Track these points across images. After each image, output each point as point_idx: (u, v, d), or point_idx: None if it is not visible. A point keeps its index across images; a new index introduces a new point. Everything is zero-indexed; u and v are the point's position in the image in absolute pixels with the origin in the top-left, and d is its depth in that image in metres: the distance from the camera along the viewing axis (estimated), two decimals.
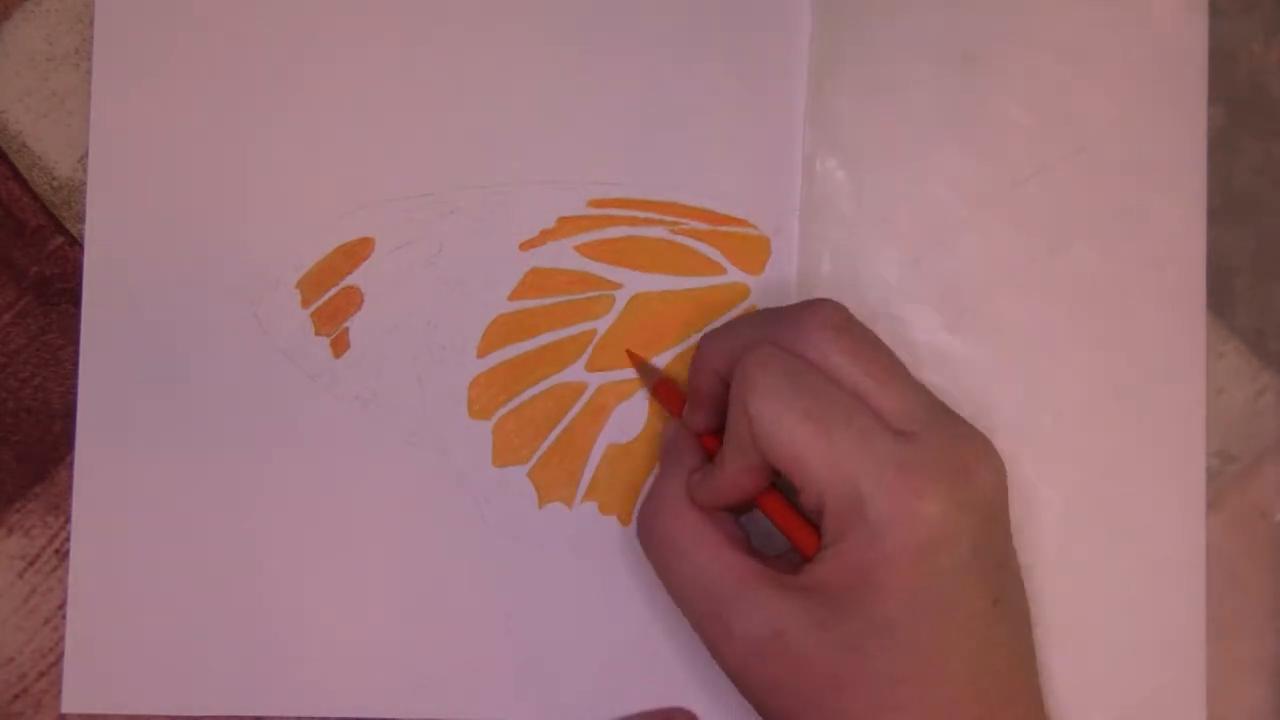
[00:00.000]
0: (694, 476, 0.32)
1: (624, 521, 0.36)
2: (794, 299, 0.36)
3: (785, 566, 0.30)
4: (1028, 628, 0.30)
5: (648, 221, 0.36)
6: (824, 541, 0.29)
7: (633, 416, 0.36)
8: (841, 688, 0.28)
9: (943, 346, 0.36)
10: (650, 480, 0.33)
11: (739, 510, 0.32)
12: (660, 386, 0.35)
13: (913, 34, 0.36)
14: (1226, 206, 0.36)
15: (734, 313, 0.36)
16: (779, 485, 0.31)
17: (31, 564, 0.36)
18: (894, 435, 0.28)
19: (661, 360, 0.36)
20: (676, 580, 0.30)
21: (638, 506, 0.32)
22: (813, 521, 0.30)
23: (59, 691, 0.35)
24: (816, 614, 0.28)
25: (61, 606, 0.35)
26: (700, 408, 0.33)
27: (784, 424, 0.28)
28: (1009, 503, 0.30)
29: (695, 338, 0.36)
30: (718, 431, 0.32)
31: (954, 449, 0.29)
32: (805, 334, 0.30)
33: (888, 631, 0.28)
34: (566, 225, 0.36)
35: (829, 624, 0.28)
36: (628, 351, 0.36)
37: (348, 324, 0.36)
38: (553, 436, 0.36)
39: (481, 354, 0.36)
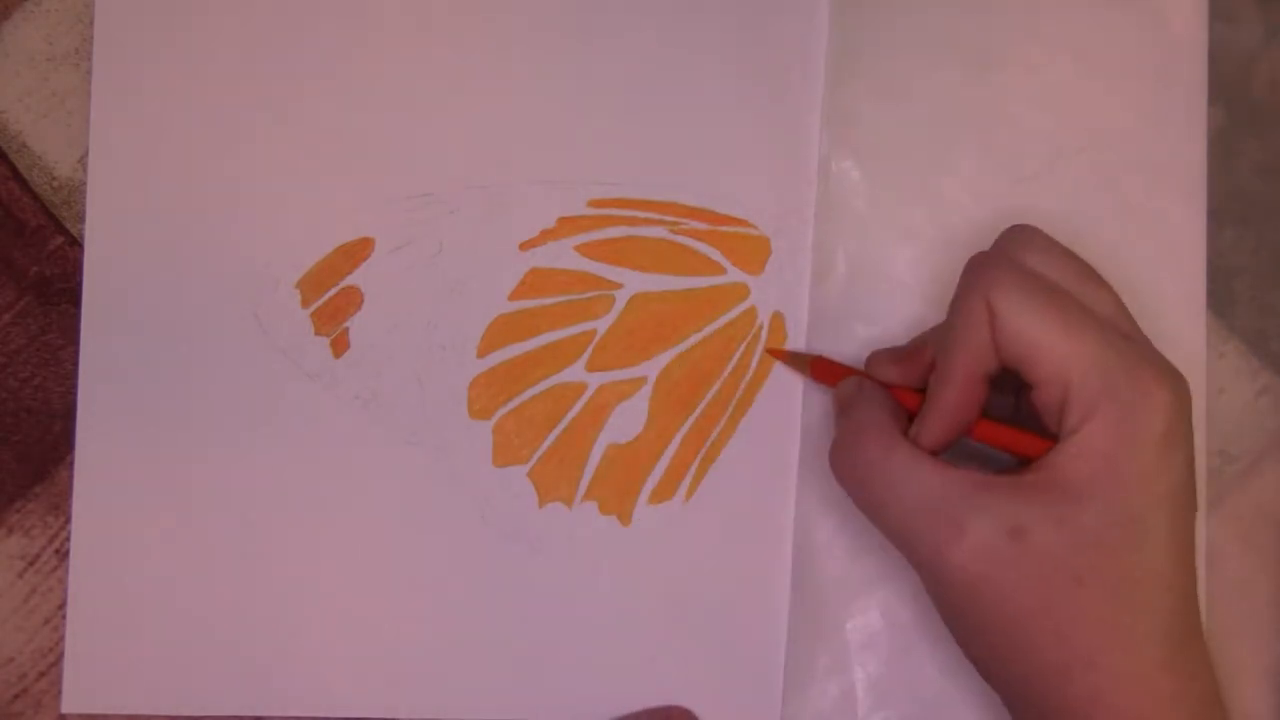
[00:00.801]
0: (915, 422, 0.31)
1: (624, 521, 0.36)
2: (806, 301, 0.36)
3: (1012, 473, 0.30)
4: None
5: (648, 221, 0.36)
6: (1063, 432, 0.29)
7: (633, 416, 0.36)
8: (1083, 584, 0.28)
9: None
10: (838, 426, 0.32)
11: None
12: (817, 365, 0.34)
13: (927, 35, 0.36)
14: (1226, 206, 0.36)
15: (734, 313, 0.36)
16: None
17: (31, 564, 0.36)
18: (1122, 333, 0.29)
19: (661, 360, 0.36)
20: (894, 508, 0.30)
21: (831, 448, 0.31)
22: (1036, 429, 0.30)
23: (59, 691, 0.35)
24: (1056, 508, 0.28)
25: (61, 606, 0.35)
26: (900, 361, 0.33)
27: (1028, 315, 0.29)
28: None
29: (695, 338, 0.36)
30: (908, 387, 0.32)
31: (1161, 356, 0.29)
32: (1016, 253, 0.30)
33: (1131, 524, 0.28)
34: (566, 225, 0.36)
35: (1069, 518, 0.28)
36: (768, 349, 0.35)
37: (348, 324, 0.36)
38: (553, 436, 0.36)
39: (481, 354, 0.36)
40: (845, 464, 0.31)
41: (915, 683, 0.35)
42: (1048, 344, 0.28)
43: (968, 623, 0.29)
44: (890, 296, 0.36)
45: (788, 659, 0.35)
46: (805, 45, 0.37)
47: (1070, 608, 0.28)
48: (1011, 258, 0.30)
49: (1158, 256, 0.36)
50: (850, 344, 0.36)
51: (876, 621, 0.35)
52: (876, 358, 0.33)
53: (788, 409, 0.36)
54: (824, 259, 0.36)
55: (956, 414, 0.30)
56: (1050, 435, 0.29)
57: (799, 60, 0.37)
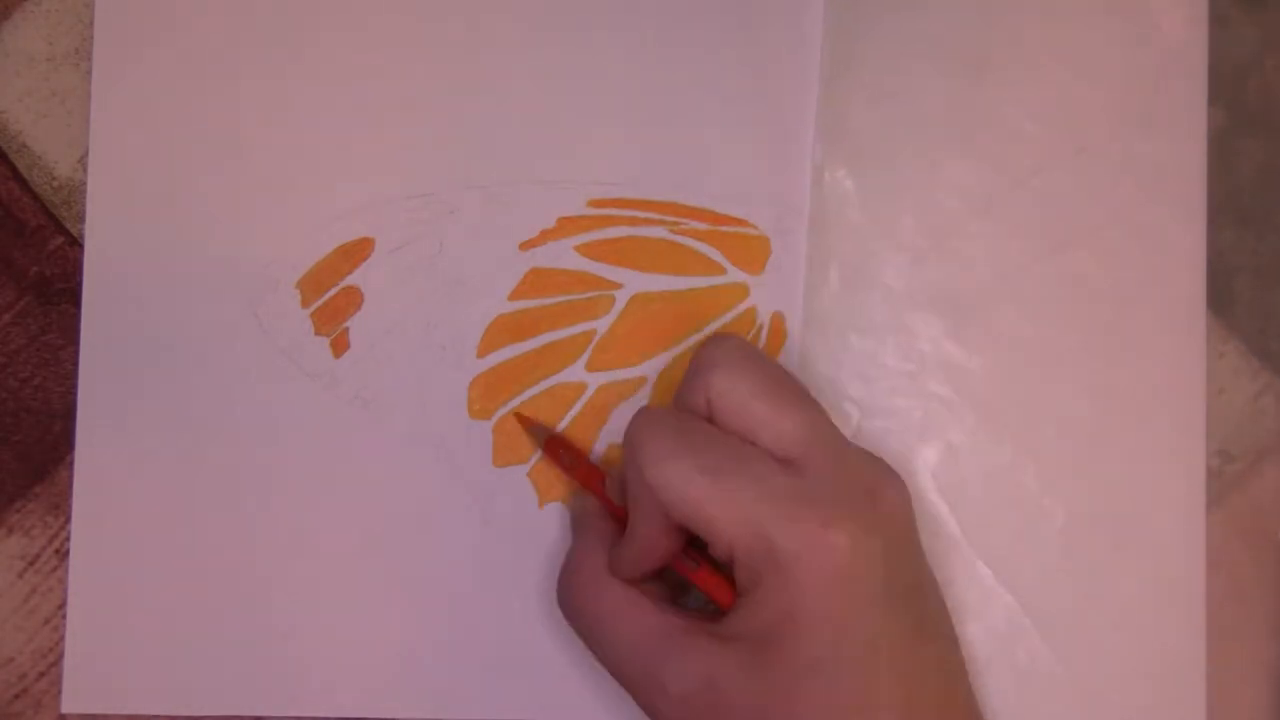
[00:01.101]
0: (613, 552, 0.31)
1: None
2: (800, 309, 0.36)
3: (712, 616, 0.30)
4: (954, 648, 0.30)
5: (648, 221, 0.36)
6: (739, 590, 0.29)
7: None
8: None
9: (948, 356, 0.36)
10: (567, 554, 0.32)
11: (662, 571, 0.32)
12: (551, 444, 0.35)
13: (921, 40, 0.36)
14: (1226, 207, 0.36)
15: (734, 313, 0.36)
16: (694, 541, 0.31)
17: (31, 564, 0.36)
18: (790, 471, 0.28)
19: (661, 360, 0.36)
20: (606, 650, 0.30)
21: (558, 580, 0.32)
22: (726, 573, 0.30)
23: (59, 691, 0.35)
24: (745, 661, 0.28)
25: (61, 606, 0.35)
26: (614, 480, 0.33)
27: (679, 483, 0.28)
28: (915, 522, 0.30)
29: (695, 338, 0.36)
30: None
31: (854, 475, 0.29)
32: (691, 383, 0.30)
33: (815, 671, 0.27)
34: (566, 225, 0.36)
35: (758, 669, 0.28)
36: (516, 414, 0.35)
37: (348, 324, 0.36)
38: None
39: (481, 354, 0.36)
40: (565, 602, 0.31)
41: None
42: (704, 511, 0.28)
43: None
44: (884, 307, 0.36)
45: None
46: (800, 47, 0.37)
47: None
48: (674, 413, 0.30)
49: (1157, 257, 0.36)
50: (845, 354, 0.36)
51: None
52: (612, 474, 0.33)
53: None
54: (817, 270, 0.36)
55: (650, 560, 0.30)
56: None
57: (794, 61, 0.36)
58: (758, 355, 0.31)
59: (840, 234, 0.36)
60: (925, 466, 0.35)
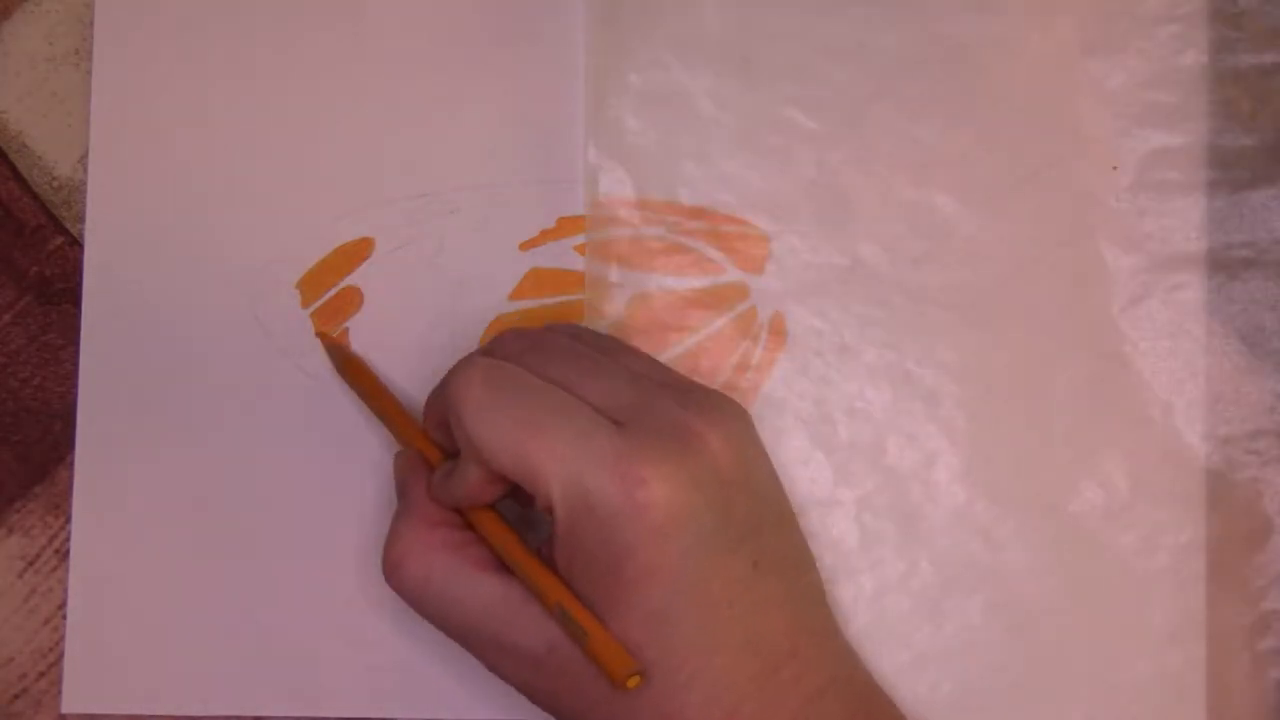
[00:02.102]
0: (435, 476, 0.31)
1: None
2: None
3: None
4: (803, 576, 0.30)
5: (647, 221, 0.36)
6: (562, 546, 0.28)
7: None
8: (613, 694, 0.27)
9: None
10: (392, 524, 0.31)
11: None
12: (350, 364, 0.34)
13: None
14: (1226, 206, 0.36)
15: (734, 312, 0.36)
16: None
17: (31, 564, 0.36)
18: (612, 425, 0.28)
19: (661, 361, 0.36)
20: (440, 617, 0.30)
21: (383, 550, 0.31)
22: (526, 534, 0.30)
23: (59, 691, 0.35)
24: None
25: (61, 606, 0.35)
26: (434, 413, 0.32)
27: (498, 436, 0.28)
28: (762, 457, 0.29)
29: (695, 338, 0.36)
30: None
31: (676, 425, 0.28)
32: (503, 344, 0.30)
33: (653, 622, 0.27)
34: (566, 225, 0.36)
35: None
36: (318, 334, 0.35)
37: (348, 324, 0.36)
38: None
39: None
40: (393, 572, 0.30)
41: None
42: (525, 463, 0.28)
43: (541, 708, 0.29)
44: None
45: None
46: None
47: (619, 707, 0.28)
48: (490, 361, 0.29)
49: (1157, 257, 0.36)
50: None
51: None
52: (428, 413, 0.32)
53: None
54: (596, 269, 0.36)
55: (478, 495, 0.30)
56: None
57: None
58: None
59: (617, 233, 0.36)
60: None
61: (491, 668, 0.30)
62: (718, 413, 0.29)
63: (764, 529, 0.29)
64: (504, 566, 0.30)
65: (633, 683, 0.26)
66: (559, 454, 0.27)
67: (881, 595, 0.35)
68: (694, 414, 0.28)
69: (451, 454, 0.32)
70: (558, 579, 0.28)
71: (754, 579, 0.28)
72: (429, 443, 0.32)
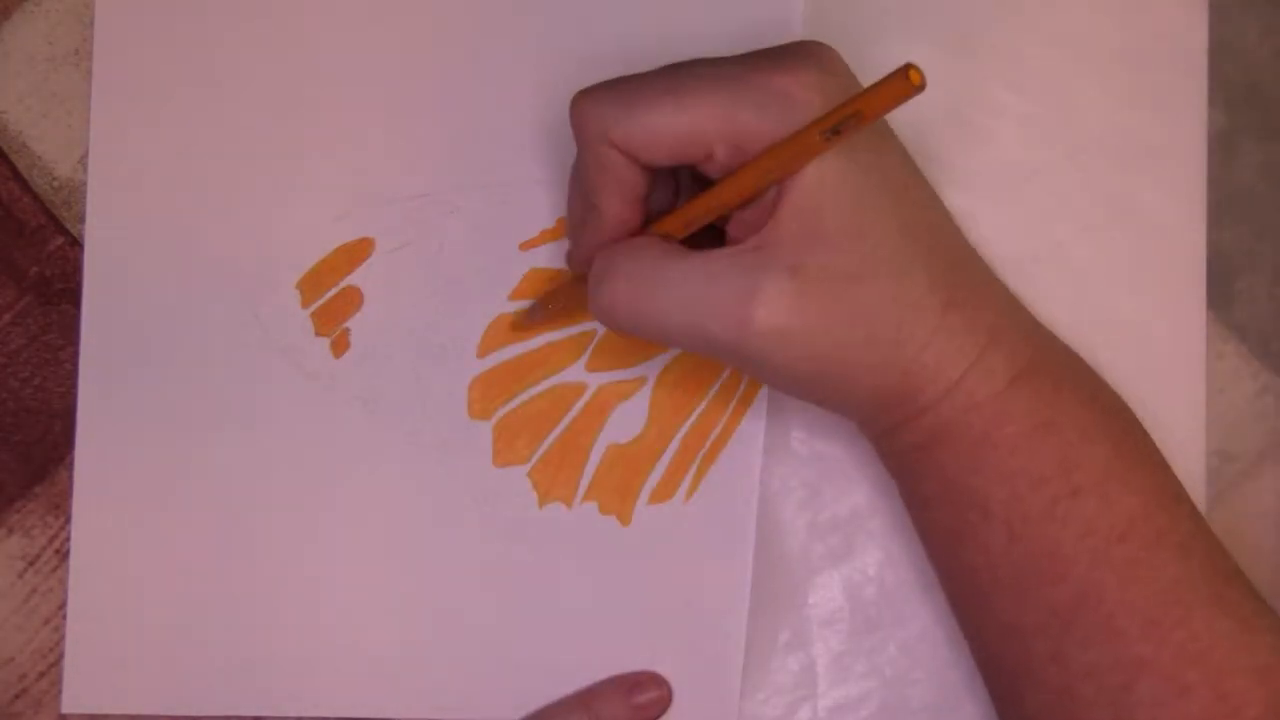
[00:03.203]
0: (573, 241, 0.32)
1: (624, 521, 0.36)
2: None
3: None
4: (954, 239, 0.32)
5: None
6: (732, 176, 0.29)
7: (633, 416, 0.36)
8: (863, 281, 0.29)
9: None
10: (591, 284, 0.31)
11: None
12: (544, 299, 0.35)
13: (910, 22, 0.36)
14: (1226, 206, 0.36)
15: None
16: None
17: (31, 564, 0.36)
18: (737, 71, 0.29)
19: (661, 360, 0.36)
20: (678, 308, 0.30)
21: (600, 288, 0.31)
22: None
23: (59, 691, 0.35)
24: (803, 239, 0.29)
25: (61, 606, 0.35)
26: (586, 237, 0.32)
27: (650, 112, 0.29)
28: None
29: None
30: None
31: (785, 50, 0.30)
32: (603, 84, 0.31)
33: (852, 237, 0.29)
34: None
35: (813, 237, 0.29)
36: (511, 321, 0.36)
37: (348, 324, 0.36)
38: (553, 436, 0.36)
39: (481, 354, 0.36)
40: (606, 302, 0.30)
41: (876, 660, 0.35)
42: (674, 130, 0.29)
43: (801, 371, 0.30)
44: None
45: (749, 634, 0.35)
46: (779, 37, 0.36)
47: (864, 302, 0.29)
48: (597, 87, 0.30)
49: (1158, 256, 0.36)
50: None
51: (838, 598, 0.35)
52: (572, 242, 0.33)
53: None
54: None
55: (619, 224, 0.31)
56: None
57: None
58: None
59: None
60: None
61: (735, 336, 0.29)
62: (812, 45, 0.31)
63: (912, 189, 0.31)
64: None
65: (915, 77, 0.26)
66: (704, 102, 0.29)
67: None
68: (794, 47, 0.30)
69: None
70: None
71: (927, 198, 0.31)
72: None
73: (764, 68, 0.29)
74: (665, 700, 0.35)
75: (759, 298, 0.28)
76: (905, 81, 0.26)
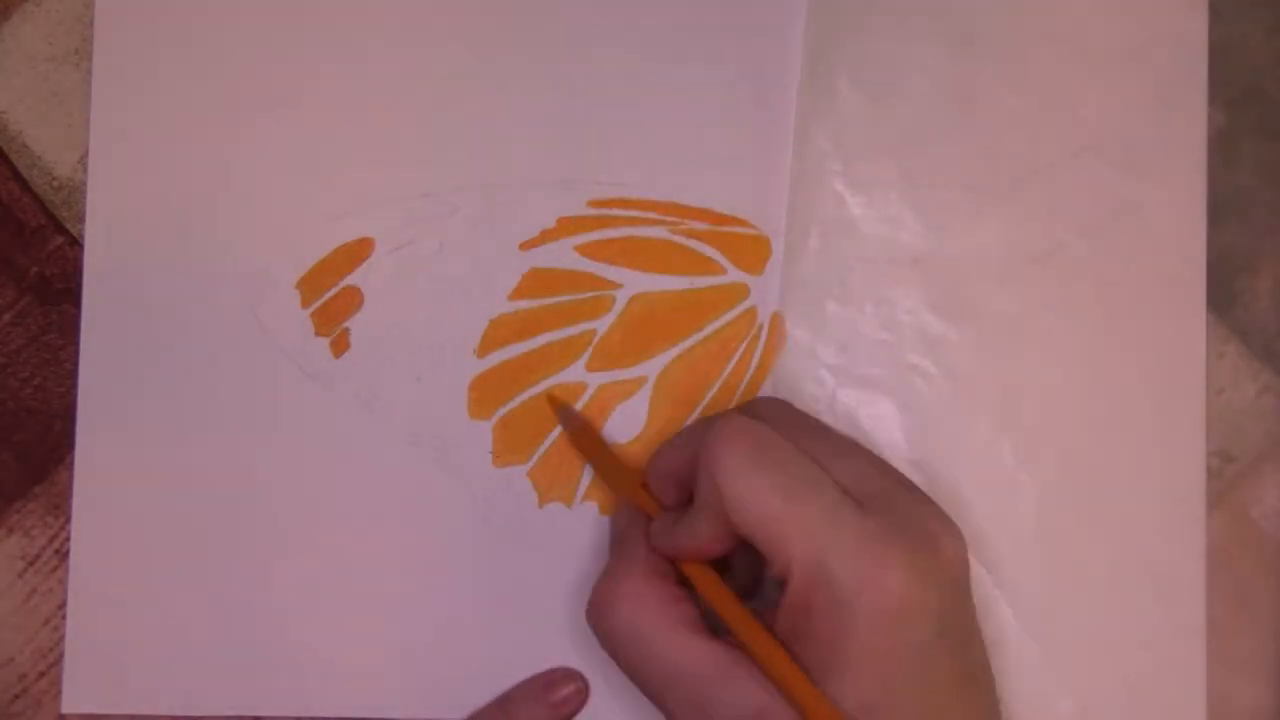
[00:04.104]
0: (655, 524, 0.31)
1: None
2: (778, 279, 0.36)
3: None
4: (997, 702, 0.30)
5: (648, 221, 0.36)
6: (786, 610, 0.28)
7: (633, 416, 0.36)
8: None
9: (930, 329, 0.36)
10: (605, 569, 0.31)
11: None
12: (578, 431, 0.35)
13: (910, 20, 0.36)
14: (1226, 206, 0.36)
15: (734, 312, 0.36)
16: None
17: (31, 564, 0.36)
18: (858, 506, 0.28)
19: (661, 360, 0.36)
20: (640, 668, 0.30)
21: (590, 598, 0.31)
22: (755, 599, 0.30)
23: (59, 691, 0.35)
24: None
25: (61, 606, 0.35)
26: (672, 480, 0.32)
27: (752, 496, 0.28)
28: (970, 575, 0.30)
29: (695, 338, 0.36)
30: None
31: (917, 519, 0.29)
32: (760, 408, 0.30)
33: (864, 711, 0.27)
34: (566, 225, 0.36)
35: None
36: (548, 395, 0.35)
37: (348, 324, 0.36)
38: (553, 436, 0.36)
39: (481, 354, 0.36)
40: (601, 617, 0.30)
41: None
42: (771, 529, 0.28)
43: None
44: (863, 275, 0.36)
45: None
46: (780, 37, 0.36)
47: None
48: (757, 427, 0.30)
49: (1158, 256, 0.36)
50: (822, 321, 0.35)
51: None
52: (658, 467, 0.32)
53: None
54: (797, 235, 0.36)
55: (705, 549, 0.30)
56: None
57: (780, 53, 0.36)
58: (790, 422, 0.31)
59: (821, 200, 0.36)
60: (900, 436, 0.35)
61: None
62: (947, 519, 0.29)
63: (974, 644, 0.29)
64: (712, 631, 0.30)
65: None
66: (808, 524, 0.28)
67: None
68: (930, 514, 0.29)
69: (669, 508, 0.32)
70: (779, 644, 0.28)
71: (962, 692, 0.28)
72: (649, 495, 0.32)
73: (876, 539, 0.27)
74: (583, 694, 0.35)
75: (711, 705, 0.28)
76: None
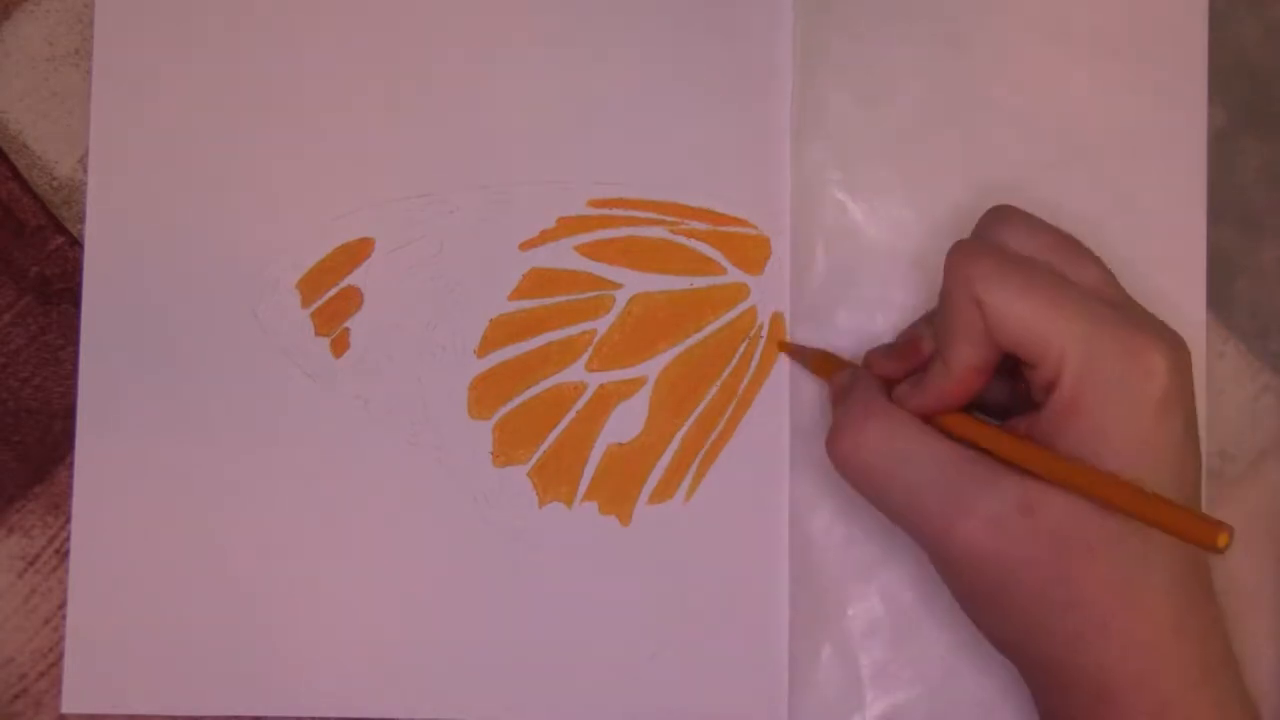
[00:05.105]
0: (901, 388, 0.31)
1: (624, 521, 0.36)
2: (777, 279, 0.36)
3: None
4: None
5: (648, 221, 0.36)
6: (1060, 407, 0.28)
7: (633, 416, 0.36)
8: (1094, 553, 0.28)
9: None
10: (835, 414, 0.31)
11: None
12: (821, 361, 0.35)
13: (901, 23, 0.36)
14: (1226, 206, 0.36)
15: (734, 313, 0.36)
16: None
17: (31, 564, 0.36)
18: (1108, 301, 0.29)
19: (661, 360, 0.36)
20: (902, 480, 0.30)
21: (830, 436, 0.31)
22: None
23: (59, 691, 0.35)
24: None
25: (61, 606, 0.35)
26: (897, 357, 0.32)
27: (1015, 299, 0.28)
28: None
29: (696, 338, 0.36)
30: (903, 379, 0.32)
31: (1156, 321, 0.30)
32: (997, 236, 0.31)
33: None
34: (566, 225, 0.36)
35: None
36: (780, 342, 0.36)
37: (348, 324, 0.36)
38: (553, 436, 0.36)
39: (481, 354, 0.36)
40: (846, 447, 0.31)
41: (920, 666, 0.35)
42: (1035, 326, 0.28)
43: (979, 598, 0.30)
44: (872, 282, 0.35)
45: (791, 651, 0.35)
46: (772, 38, 0.36)
47: (1082, 577, 0.28)
48: (992, 242, 0.30)
49: (1158, 256, 0.36)
50: (833, 333, 0.35)
51: (877, 607, 0.35)
52: (874, 355, 0.33)
53: (786, 407, 0.36)
54: (803, 248, 0.36)
55: (949, 402, 0.30)
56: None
57: (768, 54, 0.36)
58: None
59: (823, 210, 0.36)
60: None
61: (938, 537, 0.29)
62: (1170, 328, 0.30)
63: (1196, 449, 0.30)
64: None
65: (1223, 541, 0.26)
66: (1074, 319, 0.28)
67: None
68: (1159, 321, 0.30)
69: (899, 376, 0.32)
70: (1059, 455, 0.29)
71: (1199, 498, 0.30)
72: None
73: (1137, 329, 0.28)
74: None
75: (970, 517, 0.28)
76: (1213, 540, 0.26)
